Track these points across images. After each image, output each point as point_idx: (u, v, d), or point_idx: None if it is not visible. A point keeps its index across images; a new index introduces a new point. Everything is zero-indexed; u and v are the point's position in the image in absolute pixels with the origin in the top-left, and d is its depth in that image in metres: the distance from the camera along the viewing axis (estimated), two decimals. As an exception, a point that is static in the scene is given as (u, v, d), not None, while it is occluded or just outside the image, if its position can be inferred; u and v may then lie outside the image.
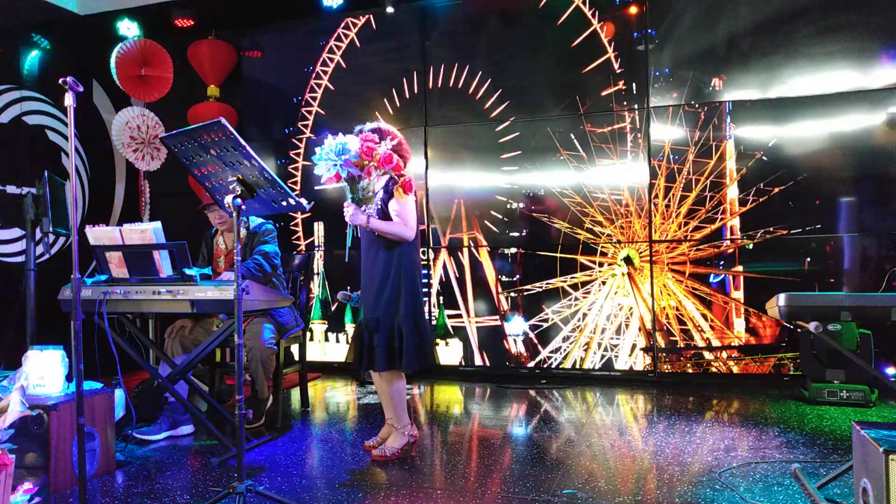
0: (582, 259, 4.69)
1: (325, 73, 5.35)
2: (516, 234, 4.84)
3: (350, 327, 5.27)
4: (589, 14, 4.67)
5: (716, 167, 4.41)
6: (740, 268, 4.38)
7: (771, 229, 4.30)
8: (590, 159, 4.67)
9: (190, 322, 3.68)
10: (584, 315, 4.68)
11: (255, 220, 3.82)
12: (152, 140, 5.38)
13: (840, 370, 3.85)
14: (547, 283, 4.77)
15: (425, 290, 5.03)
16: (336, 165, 2.77)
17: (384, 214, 2.99)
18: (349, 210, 2.90)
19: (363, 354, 3.02)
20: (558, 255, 4.73)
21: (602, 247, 4.65)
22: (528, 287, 4.81)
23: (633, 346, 4.59)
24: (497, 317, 4.90)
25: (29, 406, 2.54)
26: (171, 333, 3.64)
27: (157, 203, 5.69)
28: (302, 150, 5.42)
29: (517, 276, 4.84)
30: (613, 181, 4.62)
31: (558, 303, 4.74)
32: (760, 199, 4.33)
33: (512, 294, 4.85)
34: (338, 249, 5.34)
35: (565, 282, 4.72)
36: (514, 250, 4.85)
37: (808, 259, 4.26)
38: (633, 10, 4.57)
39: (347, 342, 5.28)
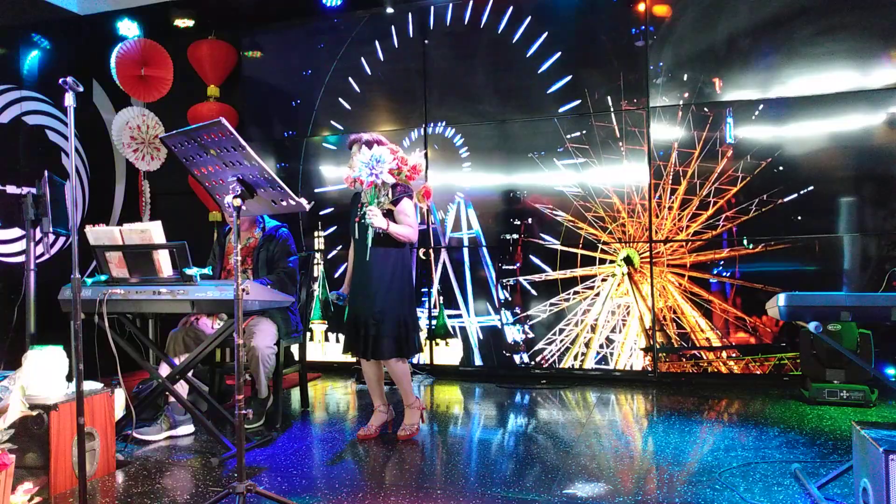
0: (582, 259, 4.69)
1: (324, 74, 5.35)
2: (516, 234, 4.84)
3: (350, 327, 5.26)
4: (587, 12, 4.67)
5: (716, 167, 4.41)
6: (740, 267, 4.38)
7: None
8: (590, 159, 4.67)
9: (203, 317, 3.68)
10: (585, 314, 4.68)
11: (269, 223, 3.84)
12: (152, 140, 5.38)
13: (840, 370, 3.85)
14: (546, 278, 4.76)
15: (426, 289, 5.05)
16: (373, 174, 3.13)
17: (391, 217, 3.26)
18: (375, 214, 3.14)
19: (367, 344, 3.24)
20: (558, 255, 4.73)
21: (602, 246, 4.65)
22: (528, 287, 4.81)
23: (633, 346, 4.59)
24: (497, 317, 4.90)
25: (29, 406, 2.54)
26: (177, 330, 3.64)
27: (157, 203, 5.69)
28: (302, 153, 5.42)
29: (517, 276, 4.84)
30: (613, 181, 4.62)
31: (559, 302, 4.74)
32: (760, 199, 4.32)
33: (511, 294, 4.85)
34: (338, 249, 5.34)
35: (566, 287, 4.72)
36: (514, 250, 4.85)
37: (808, 259, 4.26)
38: (632, 8, 4.57)
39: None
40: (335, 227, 5.32)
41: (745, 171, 4.36)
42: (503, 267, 4.87)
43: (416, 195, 3.34)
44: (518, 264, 4.84)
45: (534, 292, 4.80)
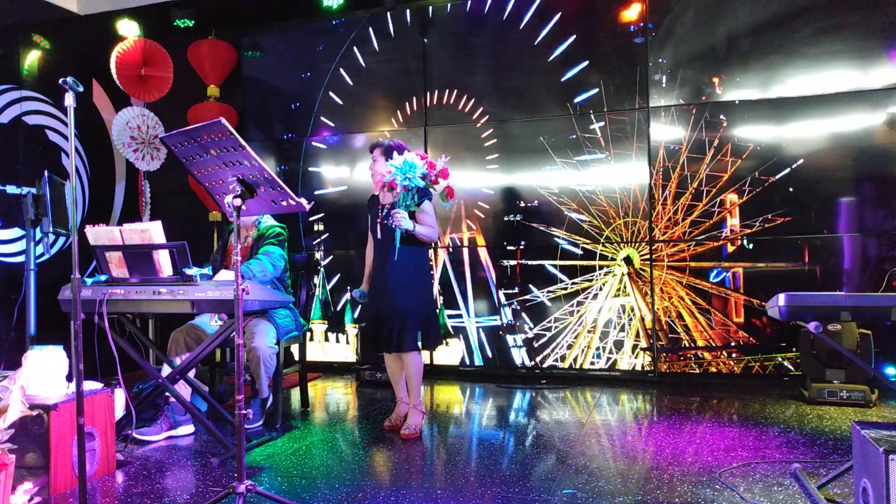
0: (582, 258, 4.69)
1: (323, 75, 5.34)
2: (516, 234, 4.84)
3: (350, 327, 5.27)
4: (588, 13, 4.67)
5: (716, 167, 4.41)
6: (740, 268, 4.38)
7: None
8: (590, 159, 4.67)
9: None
10: (584, 315, 4.68)
11: (266, 223, 3.84)
12: (152, 140, 5.38)
13: (840, 370, 3.85)
14: (548, 290, 4.77)
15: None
16: (407, 177, 3.27)
17: (413, 219, 3.42)
18: (403, 216, 3.31)
19: (391, 338, 3.37)
20: (558, 256, 4.73)
21: (602, 247, 4.65)
22: (528, 285, 4.81)
23: (634, 346, 4.59)
24: (497, 316, 4.90)
25: (29, 406, 2.54)
26: (179, 330, 3.64)
27: (157, 203, 5.69)
28: (301, 154, 5.42)
29: (517, 276, 4.84)
30: (614, 181, 4.63)
31: (558, 302, 4.74)
32: (760, 200, 4.33)
33: (512, 295, 4.85)
34: (338, 250, 5.34)
35: (566, 285, 4.72)
36: (513, 249, 4.85)
37: (808, 259, 4.26)
38: (633, 9, 4.57)
39: (348, 342, 5.28)
40: (337, 227, 5.32)
41: (743, 170, 4.36)
42: (503, 274, 4.87)
43: (439, 195, 3.50)
44: (517, 274, 4.84)
45: (535, 294, 4.80)
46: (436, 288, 5.02)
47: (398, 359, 3.52)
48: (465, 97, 4.97)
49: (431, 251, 5.04)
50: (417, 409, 3.50)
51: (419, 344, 3.43)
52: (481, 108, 4.93)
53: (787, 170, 4.28)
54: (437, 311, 3.59)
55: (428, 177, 3.37)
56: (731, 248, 4.40)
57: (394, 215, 3.31)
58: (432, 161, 3.39)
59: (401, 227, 3.31)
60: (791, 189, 4.27)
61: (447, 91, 5.02)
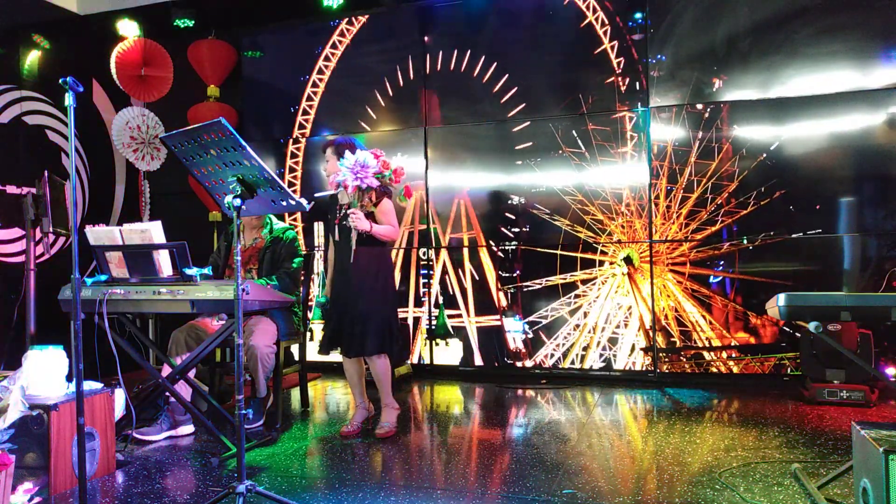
0: (582, 258, 4.69)
1: (322, 76, 5.34)
2: (517, 234, 4.84)
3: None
4: (587, 11, 4.67)
5: (716, 167, 4.41)
6: (740, 268, 4.38)
7: (771, 233, 4.31)
8: (590, 159, 4.67)
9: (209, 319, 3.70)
10: (585, 315, 4.68)
11: (277, 224, 3.85)
12: (152, 140, 5.38)
13: (840, 370, 3.85)
14: (547, 281, 4.76)
15: (426, 289, 5.05)
16: (357, 178, 3.19)
17: (373, 218, 3.33)
18: (359, 216, 3.23)
19: (353, 342, 3.32)
20: (558, 253, 4.73)
21: (602, 246, 4.65)
22: (528, 285, 4.81)
23: (633, 346, 4.59)
24: (497, 317, 4.90)
25: (29, 406, 2.54)
26: (179, 330, 3.64)
27: (157, 203, 5.69)
28: (301, 155, 5.42)
29: (517, 275, 4.84)
30: (614, 181, 4.62)
31: (558, 302, 4.74)
32: (760, 200, 4.33)
33: (511, 293, 4.85)
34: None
35: (565, 281, 4.72)
36: (514, 249, 4.85)
37: (808, 259, 4.26)
38: (633, 9, 4.57)
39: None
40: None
41: (744, 170, 4.35)
42: (503, 274, 4.87)
43: (398, 195, 3.40)
44: (518, 272, 4.84)
45: (534, 293, 4.79)
46: (430, 291, 5.02)
47: (357, 362, 3.48)
48: (463, 97, 4.97)
49: (433, 251, 5.04)
50: (390, 406, 3.50)
51: (379, 347, 3.33)
52: (479, 108, 4.93)
53: (787, 169, 4.27)
54: (396, 315, 3.47)
55: (385, 176, 3.26)
56: (731, 249, 4.40)
57: (350, 216, 3.23)
58: (387, 161, 3.29)
59: (357, 228, 3.23)
60: (790, 188, 4.26)
61: (447, 90, 5.01)
